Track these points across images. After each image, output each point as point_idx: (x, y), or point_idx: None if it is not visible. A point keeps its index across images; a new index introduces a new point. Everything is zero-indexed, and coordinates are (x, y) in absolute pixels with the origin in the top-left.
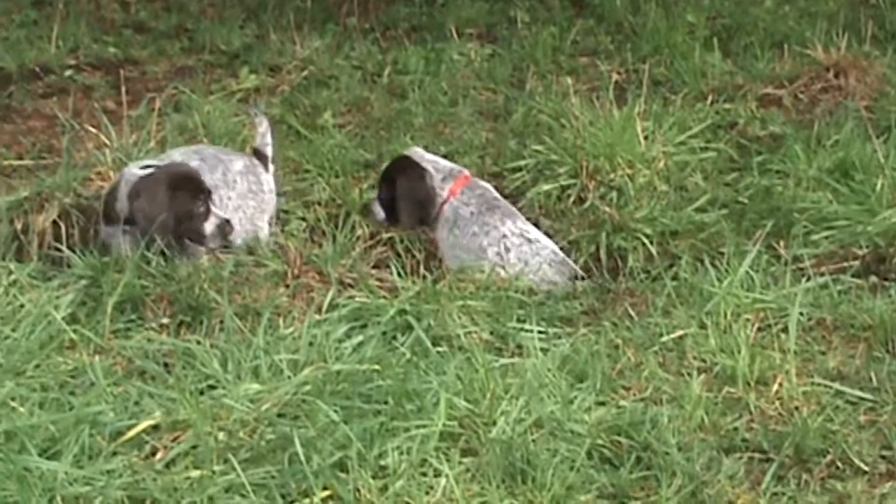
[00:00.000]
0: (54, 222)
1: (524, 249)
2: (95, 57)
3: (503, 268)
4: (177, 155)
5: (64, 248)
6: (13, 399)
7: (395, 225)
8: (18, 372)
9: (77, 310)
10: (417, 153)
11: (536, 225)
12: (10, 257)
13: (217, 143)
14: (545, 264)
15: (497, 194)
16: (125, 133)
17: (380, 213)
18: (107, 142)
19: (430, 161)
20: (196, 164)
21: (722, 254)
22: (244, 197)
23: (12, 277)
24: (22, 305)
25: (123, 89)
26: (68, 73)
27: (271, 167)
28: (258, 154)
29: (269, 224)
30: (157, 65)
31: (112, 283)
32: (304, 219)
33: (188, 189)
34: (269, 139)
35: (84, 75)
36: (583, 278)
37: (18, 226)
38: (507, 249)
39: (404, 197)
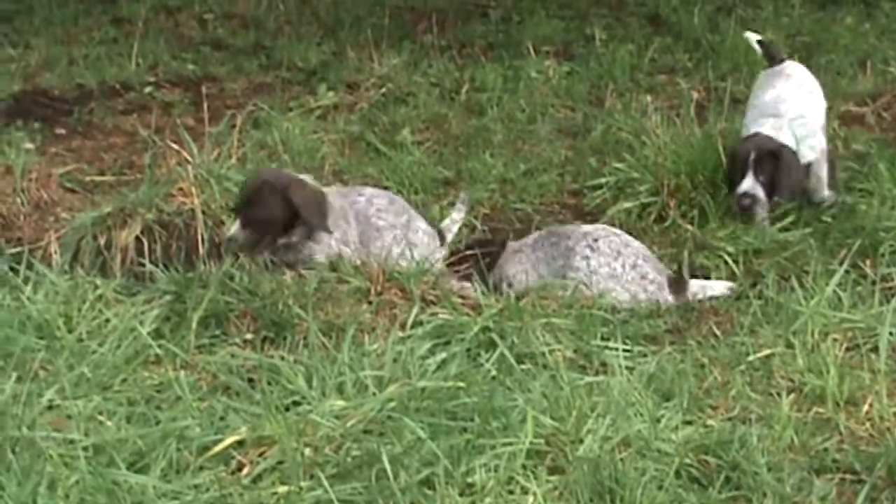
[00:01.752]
0: (137, 238)
1: (613, 240)
2: (175, 74)
3: (590, 259)
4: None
5: (147, 263)
6: (101, 413)
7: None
8: (105, 386)
9: (162, 325)
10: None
11: None
12: (94, 272)
13: (296, 161)
14: (640, 259)
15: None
16: (206, 149)
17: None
18: (188, 158)
19: None
20: (385, 203)
21: (807, 273)
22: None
23: (98, 292)
24: (108, 320)
25: (204, 106)
26: (148, 89)
27: (445, 249)
28: (440, 231)
29: None
30: (235, 82)
31: (196, 299)
32: None
33: None
34: (455, 227)
35: (164, 92)
36: (683, 282)
37: (102, 241)
38: (595, 240)
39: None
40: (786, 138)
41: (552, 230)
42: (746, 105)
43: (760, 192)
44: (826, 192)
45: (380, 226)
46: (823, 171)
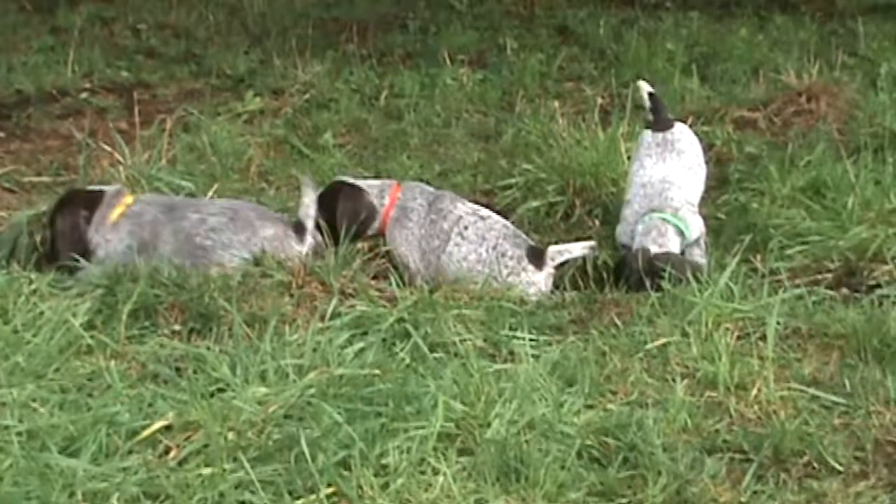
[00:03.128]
0: None
1: (479, 226)
2: (109, 80)
3: (461, 246)
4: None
5: (80, 259)
6: (34, 400)
7: (334, 244)
8: (39, 375)
9: (94, 317)
10: (349, 179)
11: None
12: (29, 268)
13: (224, 163)
14: (501, 239)
15: (431, 188)
16: (138, 152)
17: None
18: (121, 160)
19: (364, 182)
20: (224, 221)
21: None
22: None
23: (33, 286)
24: (42, 313)
25: (136, 111)
26: (83, 95)
27: (308, 239)
28: (298, 225)
29: None
30: (167, 88)
31: (126, 292)
32: None
33: None
34: (311, 211)
35: (98, 98)
36: (540, 251)
37: (38, 238)
38: (466, 227)
39: (345, 216)
40: (672, 243)
41: (436, 204)
42: (630, 173)
43: None
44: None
45: (206, 245)
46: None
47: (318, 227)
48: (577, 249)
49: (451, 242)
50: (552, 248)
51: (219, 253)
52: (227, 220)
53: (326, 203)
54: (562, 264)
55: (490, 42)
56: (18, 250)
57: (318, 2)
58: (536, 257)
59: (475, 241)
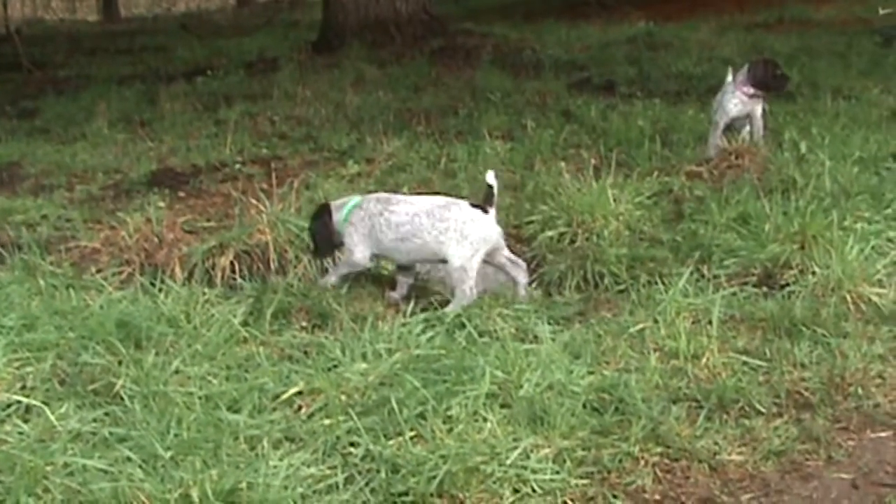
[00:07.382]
0: (231, 262)
1: None
2: (254, 156)
3: None
4: None
5: (237, 278)
6: (209, 375)
7: None
8: (212, 357)
9: (247, 318)
10: None
11: (544, 259)
12: (203, 285)
13: None
14: None
15: None
16: (275, 204)
17: None
18: (263, 209)
19: None
20: None
21: (667, 274)
22: None
23: (206, 297)
24: (213, 315)
25: (273, 176)
26: (237, 166)
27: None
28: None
29: None
30: (294, 160)
31: (269, 300)
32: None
33: None
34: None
35: (247, 168)
36: None
37: (209, 264)
38: None
39: None
40: None
41: None
42: None
43: None
44: None
45: None
46: None
47: None
48: None
49: None
50: None
51: None
52: None
53: None
54: None
55: (516, 123)
56: (196, 272)
57: (395, 97)
58: None
59: None
